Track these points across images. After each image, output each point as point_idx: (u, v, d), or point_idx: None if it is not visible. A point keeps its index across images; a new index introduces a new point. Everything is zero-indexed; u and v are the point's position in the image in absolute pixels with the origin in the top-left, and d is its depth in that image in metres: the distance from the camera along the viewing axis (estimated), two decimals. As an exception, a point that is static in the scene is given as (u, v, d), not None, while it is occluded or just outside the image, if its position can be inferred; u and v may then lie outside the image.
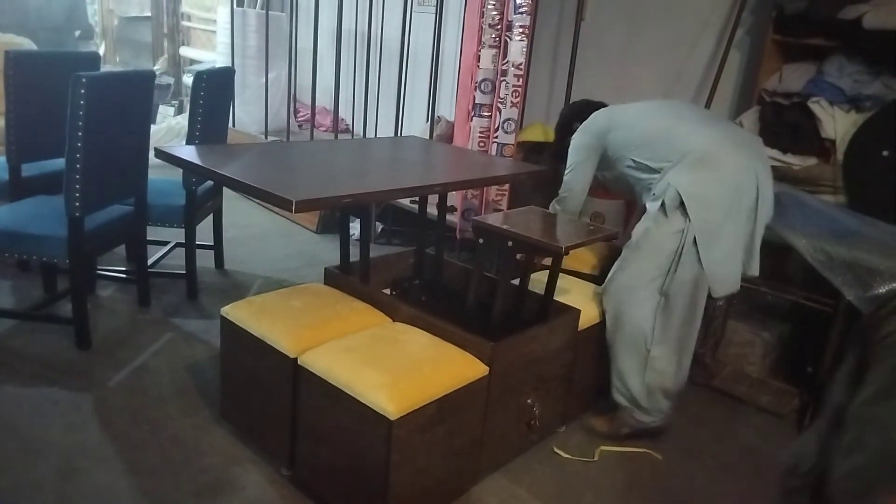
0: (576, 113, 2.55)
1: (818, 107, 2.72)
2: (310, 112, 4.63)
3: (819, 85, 2.74)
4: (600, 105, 2.53)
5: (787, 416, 2.52)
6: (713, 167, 2.10)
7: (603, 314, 2.25)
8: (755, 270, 2.23)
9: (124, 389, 2.26)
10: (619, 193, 2.86)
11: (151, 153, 2.42)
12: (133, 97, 2.51)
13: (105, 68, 6.76)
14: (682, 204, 2.06)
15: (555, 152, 2.68)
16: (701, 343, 2.78)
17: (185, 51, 6.68)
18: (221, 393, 2.12)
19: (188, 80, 6.23)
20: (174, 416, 2.15)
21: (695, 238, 2.06)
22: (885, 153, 2.55)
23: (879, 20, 2.47)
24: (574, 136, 2.45)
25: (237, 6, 5.15)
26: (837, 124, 2.69)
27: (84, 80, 2.18)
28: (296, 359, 1.80)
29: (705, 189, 2.08)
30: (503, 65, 3.03)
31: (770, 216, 2.21)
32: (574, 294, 2.31)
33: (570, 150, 2.46)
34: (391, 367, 1.71)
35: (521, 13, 2.89)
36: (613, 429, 2.30)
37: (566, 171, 2.46)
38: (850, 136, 2.64)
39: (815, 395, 2.43)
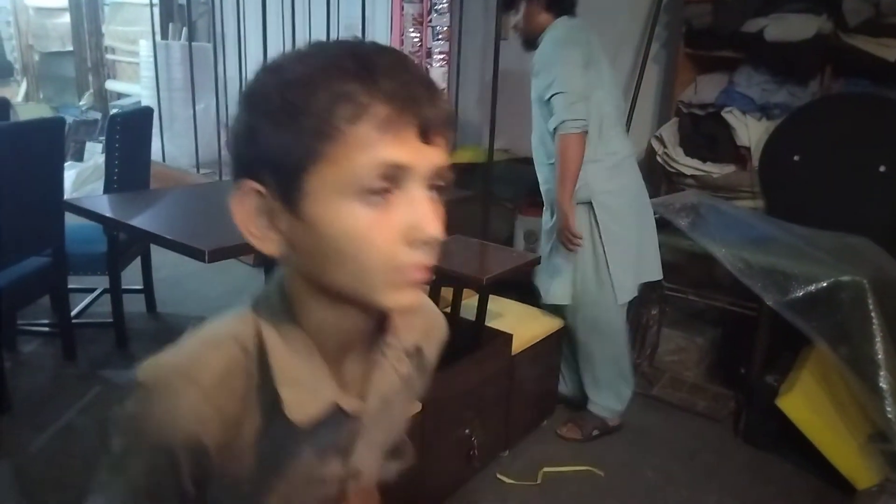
0: None
1: (731, 116, 2.81)
2: (241, 143, 4.56)
3: (731, 95, 2.83)
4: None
5: (724, 420, 2.58)
6: (625, 174, 2.26)
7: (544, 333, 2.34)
8: (659, 274, 2.42)
9: (47, 454, 2.16)
10: None
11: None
12: (41, 147, 2.41)
13: (28, 106, 6.54)
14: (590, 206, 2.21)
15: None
16: (638, 353, 2.84)
17: (111, 84, 6.51)
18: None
19: (115, 114, 6.06)
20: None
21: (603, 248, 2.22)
22: (795, 158, 2.66)
23: (779, 32, 2.58)
24: (560, 31, 2.16)
25: (160, 39, 5.05)
26: (751, 132, 2.79)
27: (-16, 133, 2.10)
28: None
29: (618, 200, 2.24)
30: (426, 90, 3.05)
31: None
32: (508, 318, 2.32)
33: (552, 45, 2.15)
34: (318, 413, 1.67)
35: (440, 40, 2.91)
36: (584, 433, 2.39)
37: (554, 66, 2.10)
38: (763, 143, 2.74)
39: (748, 396, 2.49)
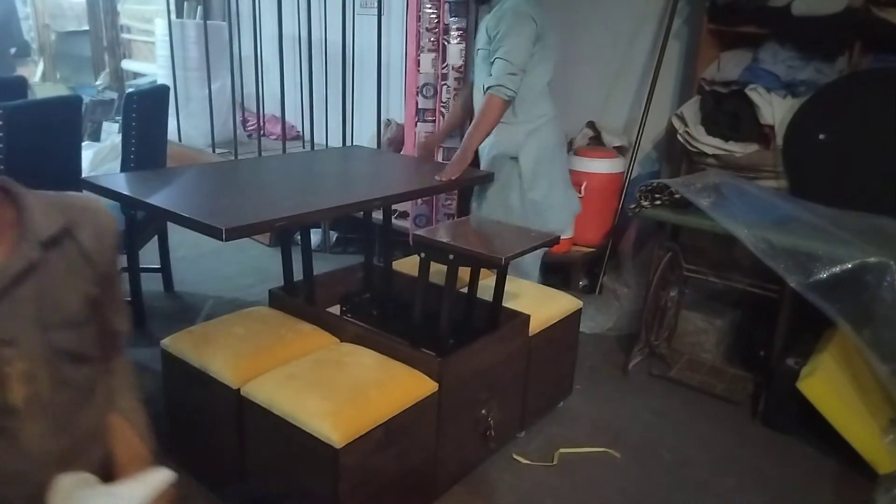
0: None
1: (755, 94, 2.75)
2: (259, 121, 4.55)
3: (755, 72, 2.77)
4: None
5: (742, 403, 2.55)
6: (550, 133, 2.59)
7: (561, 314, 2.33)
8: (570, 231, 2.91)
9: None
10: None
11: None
12: (59, 124, 2.42)
13: (45, 86, 6.56)
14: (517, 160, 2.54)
15: None
16: (656, 335, 2.81)
17: (127, 64, 6.50)
18: (169, 427, 2.06)
19: (132, 94, 6.06)
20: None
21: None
22: (821, 137, 2.60)
23: (807, 7, 2.51)
24: (520, 3, 2.42)
25: (175, 17, 5.02)
26: (775, 110, 2.73)
27: (2, 111, 2.10)
28: (238, 389, 1.76)
29: (540, 154, 2.56)
30: (443, 68, 3.01)
31: None
32: (524, 298, 2.30)
33: (513, 15, 2.39)
34: (335, 392, 1.67)
35: (457, 16, 2.86)
36: None
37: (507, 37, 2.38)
38: (788, 121, 2.68)
39: (768, 378, 2.46)
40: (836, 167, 2.56)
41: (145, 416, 1.21)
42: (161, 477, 0.98)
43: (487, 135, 2.51)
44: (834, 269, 2.12)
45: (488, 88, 2.40)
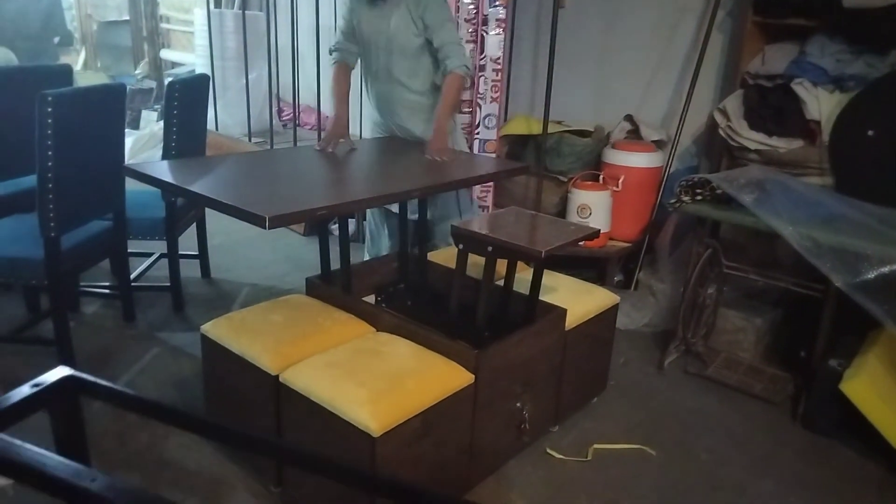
0: None
1: (802, 88, 2.68)
2: (295, 111, 4.59)
3: (802, 66, 2.70)
4: None
5: (782, 403, 2.50)
6: None
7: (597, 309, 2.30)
8: None
9: (109, 410, 2.23)
10: None
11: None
12: (104, 112, 2.46)
13: (87, 75, 6.69)
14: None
15: None
16: (693, 332, 2.77)
17: (165, 53, 6.61)
18: (206, 410, 2.09)
19: (170, 83, 6.16)
20: (160, 436, 2.12)
21: None
22: (870, 133, 2.52)
23: (859, -1, 2.43)
24: None
25: (214, 7, 5.08)
26: (822, 105, 2.66)
27: (50, 98, 2.13)
28: (277, 376, 1.77)
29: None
30: (481, 60, 2.99)
31: None
32: (561, 292, 2.29)
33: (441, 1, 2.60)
34: (373, 381, 1.68)
35: (497, 6, 2.84)
36: None
37: None
38: (835, 116, 2.61)
39: (809, 379, 2.41)
40: (886, 164, 2.49)
41: None
42: None
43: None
44: (883, 270, 2.07)
45: (454, 69, 2.56)
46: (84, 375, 0.91)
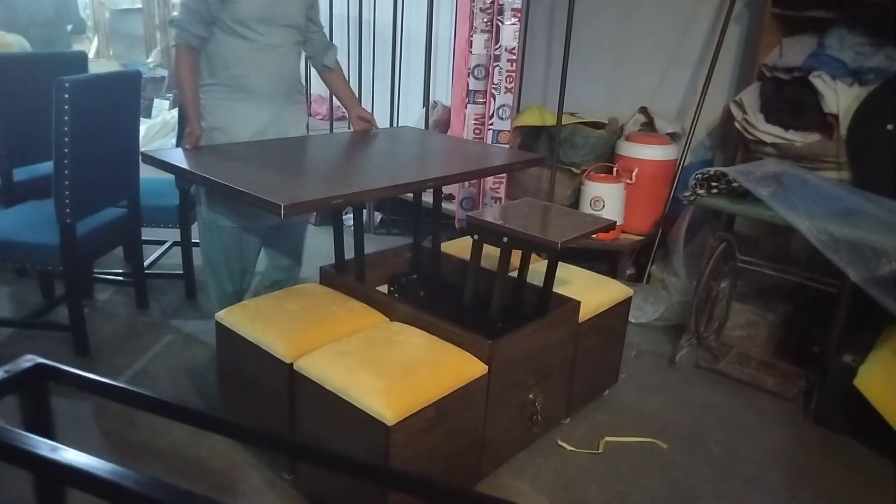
0: None
1: (820, 81, 2.65)
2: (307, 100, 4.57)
3: (820, 58, 2.67)
4: None
5: (794, 399, 2.49)
6: None
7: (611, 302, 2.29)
8: None
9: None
10: None
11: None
12: (119, 99, 2.47)
13: (99, 63, 6.71)
14: None
15: None
16: (705, 326, 2.76)
17: (177, 42, 6.60)
18: (219, 397, 2.10)
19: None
20: (172, 422, 2.13)
21: None
22: (889, 127, 2.49)
23: (881, -10, 2.40)
24: None
25: (227, -5, 5.06)
26: (840, 98, 2.63)
27: (67, 84, 2.14)
28: (291, 364, 1.78)
29: None
30: (496, 50, 2.97)
31: None
32: (575, 285, 2.28)
33: None
34: (387, 370, 1.68)
35: (513, -5, 2.82)
36: None
37: None
38: (853, 110, 2.58)
39: (822, 375, 2.40)
40: (905, 159, 2.46)
41: None
42: None
43: None
44: (900, 265, 2.05)
45: (334, 57, 2.56)
46: (53, 363, 0.96)
